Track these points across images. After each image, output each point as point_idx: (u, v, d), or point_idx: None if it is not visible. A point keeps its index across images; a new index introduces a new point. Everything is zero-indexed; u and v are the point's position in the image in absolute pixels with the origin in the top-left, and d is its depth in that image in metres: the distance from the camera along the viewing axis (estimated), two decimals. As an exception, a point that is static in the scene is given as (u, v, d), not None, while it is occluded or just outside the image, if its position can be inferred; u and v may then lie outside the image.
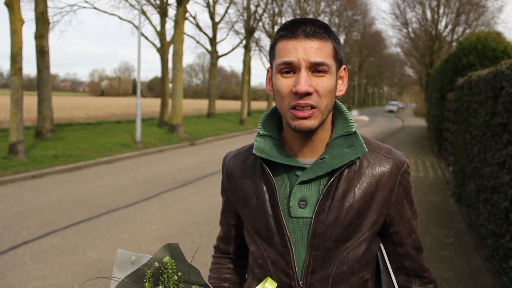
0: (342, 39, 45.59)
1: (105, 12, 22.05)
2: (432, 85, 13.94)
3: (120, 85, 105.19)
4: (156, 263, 1.01)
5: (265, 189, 1.09)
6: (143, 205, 6.68)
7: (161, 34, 21.04)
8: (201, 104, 53.53)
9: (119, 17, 22.37)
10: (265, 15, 29.26)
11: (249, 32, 25.86)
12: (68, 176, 8.85)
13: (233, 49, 28.41)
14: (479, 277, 4.09)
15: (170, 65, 20.74)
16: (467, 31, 27.88)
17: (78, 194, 7.27)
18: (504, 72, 4.03)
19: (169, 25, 48.87)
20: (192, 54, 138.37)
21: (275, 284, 1.06)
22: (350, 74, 49.11)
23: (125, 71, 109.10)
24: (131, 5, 22.36)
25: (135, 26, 22.37)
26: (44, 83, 13.56)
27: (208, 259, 4.51)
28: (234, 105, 56.81)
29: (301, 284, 1.06)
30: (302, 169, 1.07)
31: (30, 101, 28.42)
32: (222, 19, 27.93)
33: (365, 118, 35.54)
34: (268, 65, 3.09)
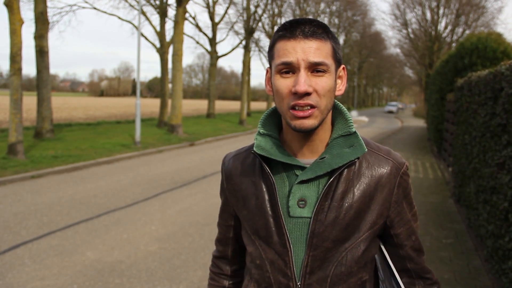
0: (341, 39, 45.64)
1: (105, 12, 22.08)
2: (432, 86, 13.94)
3: (120, 86, 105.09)
4: None
5: (264, 188, 1.09)
6: (143, 205, 6.67)
7: (161, 34, 21.05)
8: (201, 105, 53.53)
9: (119, 18, 22.35)
10: (265, 15, 29.33)
11: (249, 32, 25.87)
12: (67, 177, 8.85)
13: (233, 49, 28.43)
14: (478, 278, 4.09)
15: (169, 65, 20.78)
16: (467, 32, 27.88)
17: (78, 194, 7.27)
18: (504, 73, 4.03)
19: (169, 25, 48.99)
20: (191, 54, 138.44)
21: None
22: (349, 74, 49.11)
23: (125, 71, 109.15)
24: (130, 5, 22.39)
25: (135, 27, 22.37)
26: (43, 83, 13.54)
27: (208, 259, 4.51)
28: (234, 105, 56.82)
29: (299, 284, 1.05)
30: (302, 168, 1.07)
31: (30, 101, 28.39)
32: (221, 19, 27.96)
33: (364, 118, 35.53)
34: (267, 65, 3.04)
